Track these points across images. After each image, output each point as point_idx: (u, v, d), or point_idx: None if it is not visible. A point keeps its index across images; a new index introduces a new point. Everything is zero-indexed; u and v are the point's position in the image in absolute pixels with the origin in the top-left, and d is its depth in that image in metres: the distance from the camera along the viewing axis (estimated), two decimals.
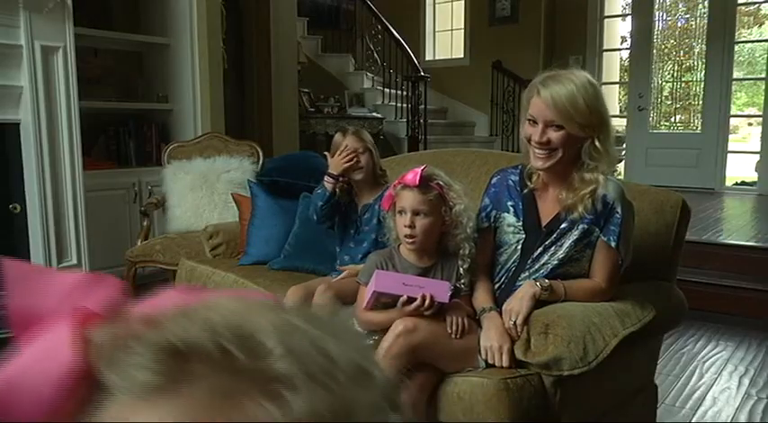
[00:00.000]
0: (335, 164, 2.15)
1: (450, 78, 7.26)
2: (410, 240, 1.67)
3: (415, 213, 1.66)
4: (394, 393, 0.35)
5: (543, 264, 1.71)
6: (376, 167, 2.23)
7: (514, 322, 1.60)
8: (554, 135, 1.63)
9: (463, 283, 1.72)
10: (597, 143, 1.64)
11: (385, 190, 2.05)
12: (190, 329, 0.31)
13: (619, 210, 1.67)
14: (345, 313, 1.99)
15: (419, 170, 1.68)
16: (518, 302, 1.63)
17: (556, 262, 1.70)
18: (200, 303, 0.34)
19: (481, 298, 1.72)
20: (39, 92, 3.05)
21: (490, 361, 1.59)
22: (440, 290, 1.60)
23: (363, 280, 1.71)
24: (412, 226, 1.66)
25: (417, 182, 1.65)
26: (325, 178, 2.17)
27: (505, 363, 1.57)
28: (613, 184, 1.71)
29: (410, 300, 1.58)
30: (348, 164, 2.14)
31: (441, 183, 1.69)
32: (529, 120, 1.68)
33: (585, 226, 1.68)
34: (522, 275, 1.73)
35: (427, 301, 1.57)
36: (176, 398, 0.30)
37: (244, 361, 0.30)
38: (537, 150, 1.66)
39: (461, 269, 1.72)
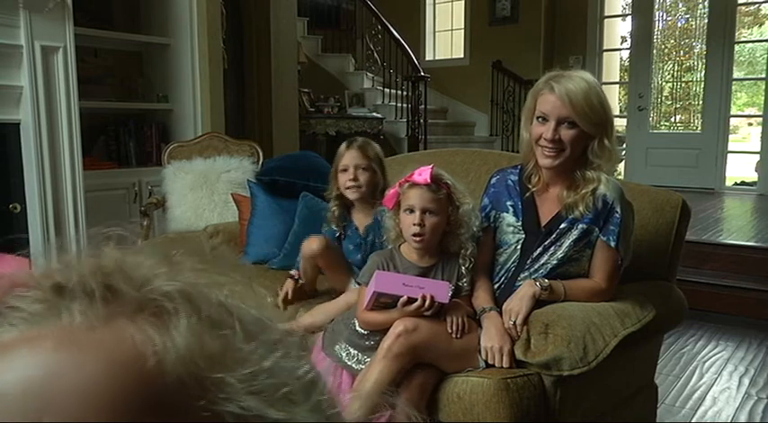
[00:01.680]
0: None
1: (450, 78, 7.26)
2: (418, 239, 1.66)
3: (425, 212, 1.65)
4: (293, 346, 0.34)
5: (543, 264, 1.71)
6: (378, 187, 2.05)
7: (514, 322, 1.60)
8: (566, 133, 1.63)
9: (465, 282, 1.72)
10: (606, 141, 1.65)
11: (380, 215, 1.99)
12: (77, 269, 0.32)
13: (618, 209, 1.67)
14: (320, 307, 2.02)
15: (429, 168, 1.67)
16: (518, 302, 1.63)
17: (555, 262, 1.70)
18: (93, 252, 0.34)
19: (481, 298, 1.72)
20: (39, 92, 3.05)
21: (490, 361, 1.59)
22: (440, 290, 1.60)
23: (364, 280, 1.71)
24: (421, 224, 1.64)
25: (429, 180, 1.65)
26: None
27: (506, 363, 1.57)
28: (613, 184, 1.71)
29: (410, 300, 1.58)
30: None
31: (448, 182, 1.69)
32: (539, 117, 1.67)
33: (585, 226, 1.68)
34: (522, 275, 1.73)
35: (427, 302, 1.57)
36: (52, 322, 0.30)
37: (125, 289, 0.31)
38: (546, 148, 1.66)
39: (463, 269, 1.72)
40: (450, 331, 1.60)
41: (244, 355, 0.30)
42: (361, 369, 1.63)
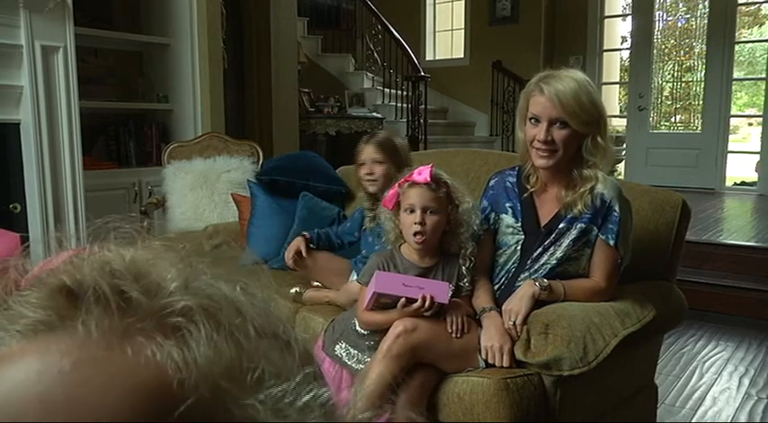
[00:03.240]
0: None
1: (450, 78, 7.26)
2: (419, 238, 1.66)
3: (426, 211, 1.65)
4: (309, 359, 0.33)
5: (543, 264, 1.71)
6: (391, 180, 2.05)
7: (514, 322, 1.60)
8: (558, 133, 1.64)
9: (466, 282, 1.72)
10: (599, 139, 1.65)
11: None
12: (84, 270, 0.30)
13: (616, 208, 1.67)
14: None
15: (428, 168, 1.67)
16: (517, 302, 1.63)
17: (555, 262, 1.70)
18: (99, 248, 0.33)
19: (481, 298, 1.72)
20: (39, 92, 3.04)
21: (490, 361, 1.59)
22: (440, 290, 1.60)
23: (364, 281, 1.70)
24: (422, 223, 1.64)
25: (429, 179, 1.65)
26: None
27: (506, 363, 1.57)
28: (610, 182, 1.71)
29: (410, 301, 1.58)
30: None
31: (447, 181, 1.69)
32: (531, 119, 1.68)
33: (584, 225, 1.68)
34: (522, 276, 1.73)
35: (427, 302, 1.57)
36: (64, 334, 0.28)
37: (139, 298, 0.29)
38: (540, 150, 1.66)
39: (463, 268, 1.72)
40: (450, 331, 1.60)
41: (263, 374, 0.29)
42: (361, 369, 1.63)
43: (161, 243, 0.34)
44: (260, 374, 0.29)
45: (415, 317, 1.58)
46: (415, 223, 1.64)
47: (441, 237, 1.70)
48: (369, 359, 1.62)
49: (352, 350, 1.69)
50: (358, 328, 1.70)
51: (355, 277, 2.17)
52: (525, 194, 1.76)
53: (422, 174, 1.66)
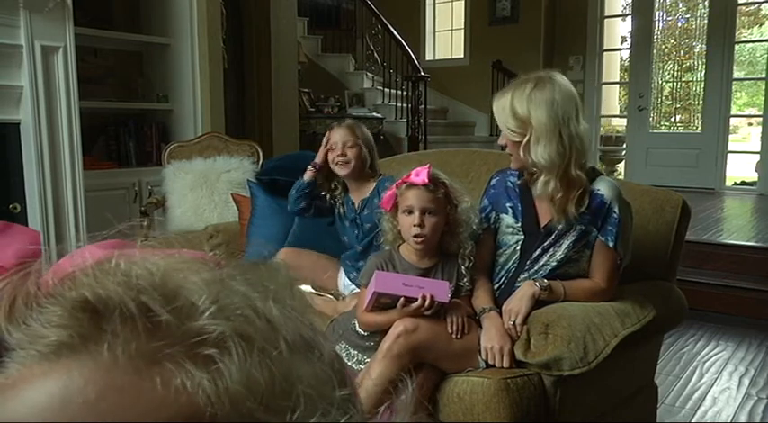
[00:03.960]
0: (319, 153, 2.20)
1: (450, 78, 7.26)
2: (419, 240, 1.65)
3: (424, 212, 1.65)
4: (340, 367, 0.31)
5: (542, 265, 1.71)
6: (366, 164, 2.15)
7: (514, 322, 1.61)
8: (511, 145, 1.71)
9: (466, 282, 1.72)
10: (543, 141, 1.64)
11: (380, 186, 2.06)
12: (108, 285, 0.28)
13: (616, 210, 1.67)
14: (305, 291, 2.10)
15: (426, 169, 1.67)
16: (517, 302, 1.63)
17: (555, 263, 1.70)
18: (123, 257, 0.30)
19: (481, 298, 1.72)
20: (39, 92, 3.04)
21: (491, 361, 1.59)
22: (440, 290, 1.60)
23: (363, 281, 1.70)
24: (421, 225, 1.64)
25: (427, 180, 1.65)
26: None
27: (506, 363, 1.57)
28: (610, 183, 1.71)
29: (410, 300, 1.58)
30: (326, 156, 2.16)
31: (445, 181, 1.69)
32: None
33: (583, 227, 1.68)
34: (522, 276, 1.73)
35: (427, 302, 1.57)
36: (89, 358, 0.26)
37: (169, 320, 0.27)
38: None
39: (463, 268, 1.71)
40: (450, 331, 1.60)
41: (298, 399, 0.28)
42: (362, 369, 1.63)
43: (187, 252, 0.32)
44: (295, 399, 0.27)
45: (415, 317, 1.58)
46: (414, 225, 1.64)
47: (440, 237, 1.70)
48: (369, 359, 1.62)
49: (352, 351, 1.69)
50: (358, 328, 1.70)
51: (344, 275, 2.17)
52: (526, 195, 1.77)
53: (420, 175, 1.66)
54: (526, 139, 1.65)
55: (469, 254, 1.72)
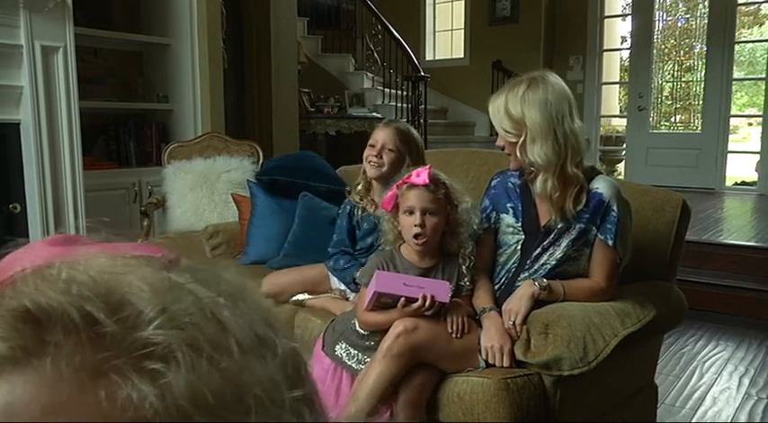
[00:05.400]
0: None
1: (450, 78, 7.26)
2: (420, 240, 1.66)
3: (425, 212, 1.65)
4: (295, 365, 0.30)
5: (542, 264, 1.72)
6: (396, 171, 1.94)
7: (514, 322, 1.61)
8: (508, 146, 1.74)
9: (466, 281, 1.72)
10: (538, 140, 1.65)
11: None
12: (48, 293, 0.26)
13: (615, 208, 1.68)
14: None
15: (426, 169, 1.67)
16: (517, 302, 1.64)
17: (554, 262, 1.70)
18: (65, 260, 0.29)
19: (481, 298, 1.72)
20: (39, 92, 3.05)
21: (491, 361, 1.59)
22: (440, 290, 1.60)
23: (364, 281, 1.70)
24: (422, 225, 1.64)
25: (428, 180, 1.65)
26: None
27: (506, 363, 1.57)
28: (608, 182, 1.72)
29: (411, 300, 1.58)
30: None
31: (446, 182, 1.69)
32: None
33: (583, 225, 1.69)
34: (522, 276, 1.74)
35: (428, 302, 1.57)
36: (32, 373, 0.25)
37: (113, 329, 0.26)
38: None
39: (463, 268, 1.72)
40: (450, 331, 1.60)
41: (250, 404, 0.27)
42: (362, 369, 1.63)
43: (137, 246, 0.31)
44: (246, 407, 0.27)
45: (415, 317, 1.58)
46: (415, 225, 1.64)
47: (440, 237, 1.70)
48: (369, 359, 1.62)
49: (352, 350, 1.69)
50: (358, 328, 1.70)
51: (336, 280, 2.16)
52: (526, 195, 1.77)
53: (420, 175, 1.66)
54: (522, 139, 1.67)
55: (470, 254, 1.72)
